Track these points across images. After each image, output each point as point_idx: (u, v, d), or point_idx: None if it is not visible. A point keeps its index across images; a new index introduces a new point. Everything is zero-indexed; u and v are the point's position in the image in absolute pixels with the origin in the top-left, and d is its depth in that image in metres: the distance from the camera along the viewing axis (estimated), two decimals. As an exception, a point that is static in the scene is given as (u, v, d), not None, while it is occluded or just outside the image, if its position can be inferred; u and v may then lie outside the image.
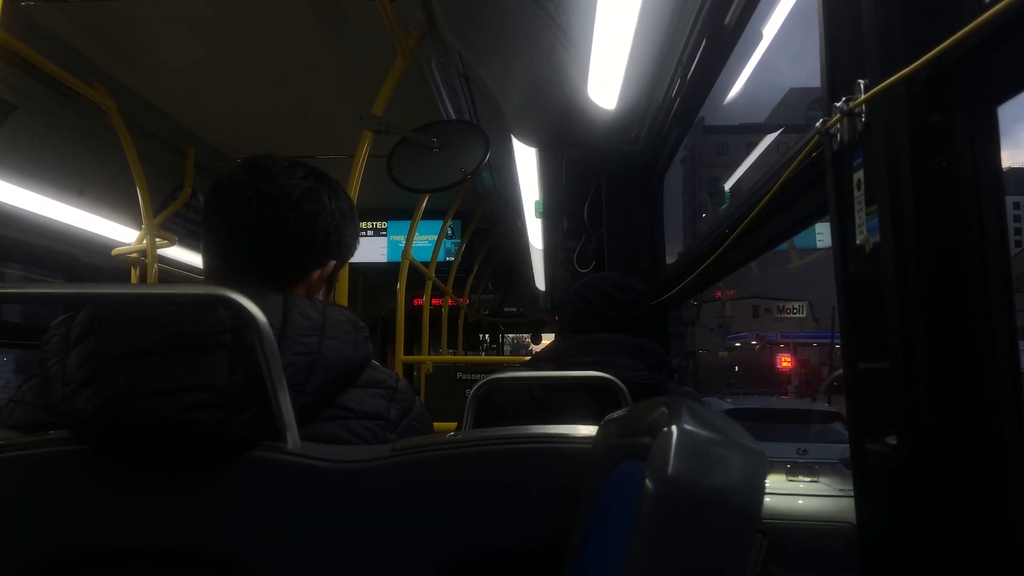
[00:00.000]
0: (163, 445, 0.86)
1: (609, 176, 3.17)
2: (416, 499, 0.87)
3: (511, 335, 14.07)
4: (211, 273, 1.12)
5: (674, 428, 0.65)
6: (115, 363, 0.88)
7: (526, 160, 3.67)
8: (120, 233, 3.99)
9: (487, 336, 12.29)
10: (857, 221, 0.97)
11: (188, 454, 0.87)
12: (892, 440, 0.93)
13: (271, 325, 0.90)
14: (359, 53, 3.14)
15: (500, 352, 12.69)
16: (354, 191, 2.90)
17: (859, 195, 0.96)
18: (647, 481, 0.62)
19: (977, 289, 0.86)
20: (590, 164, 3.23)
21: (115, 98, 3.21)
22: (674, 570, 0.59)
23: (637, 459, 0.68)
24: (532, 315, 11.21)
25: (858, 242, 0.97)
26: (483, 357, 8.02)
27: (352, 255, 1.25)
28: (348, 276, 3.00)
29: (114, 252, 3.85)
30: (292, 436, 0.89)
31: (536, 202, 4.08)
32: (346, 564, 0.86)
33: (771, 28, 1.94)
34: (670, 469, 0.61)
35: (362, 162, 2.90)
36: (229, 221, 1.09)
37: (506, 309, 11.24)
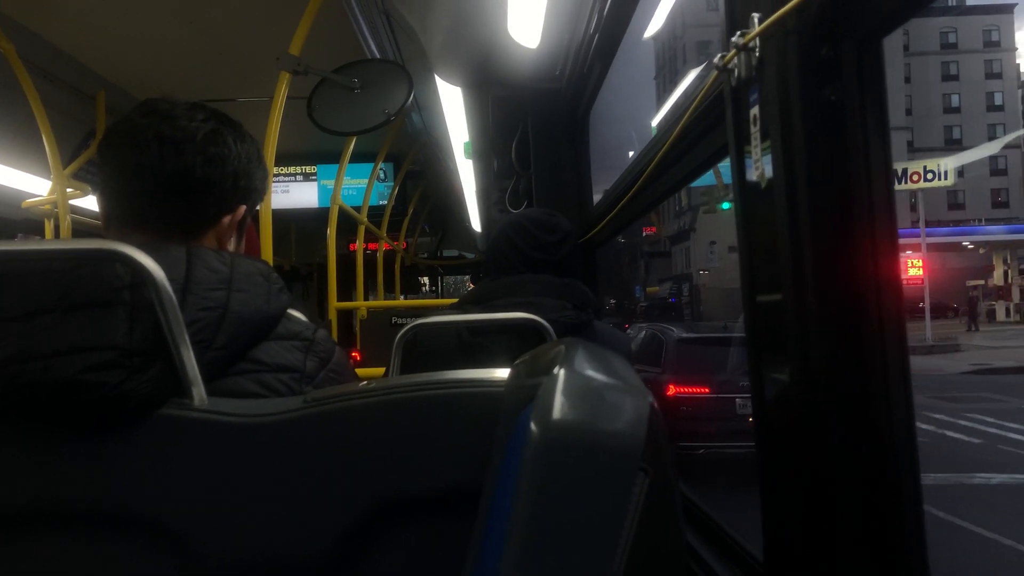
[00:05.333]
0: (64, 407, 0.84)
1: (535, 115, 3.14)
2: (329, 449, 0.87)
3: (452, 277, 14.04)
4: (112, 223, 1.07)
5: (559, 372, 0.67)
6: (9, 323, 0.84)
7: (453, 100, 3.61)
8: (33, 184, 3.80)
9: (427, 279, 12.25)
10: (753, 157, 0.98)
11: (91, 415, 0.85)
12: (786, 369, 0.97)
13: (173, 280, 0.88)
14: (273, -12, 3.01)
15: (440, 295, 12.68)
16: (273, 135, 2.81)
17: (755, 131, 0.97)
18: (531, 425, 0.63)
19: (864, 222, 0.89)
20: (516, 103, 3.19)
21: (13, 40, 3.02)
22: (558, 512, 0.60)
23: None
24: (471, 256, 11.20)
25: (754, 178, 0.98)
26: (417, 301, 8.01)
27: (262, 199, 1.21)
28: (274, 223, 2.94)
29: (24, 204, 3.68)
30: (198, 392, 0.88)
31: (465, 143, 4.03)
32: (260, 517, 0.86)
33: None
34: (552, 413, 0.62)
35: (280, 104, 2.80)
36: (130, 168, 1.04)
37: (445, 252, 11.18)
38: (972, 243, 40.58)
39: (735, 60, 0.99)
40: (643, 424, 0.64)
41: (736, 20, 1.02)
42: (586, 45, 2.48)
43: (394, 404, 0.90)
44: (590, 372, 0.69)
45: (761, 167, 0.98)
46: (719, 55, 1.03)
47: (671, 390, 8.58)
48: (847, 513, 0.91)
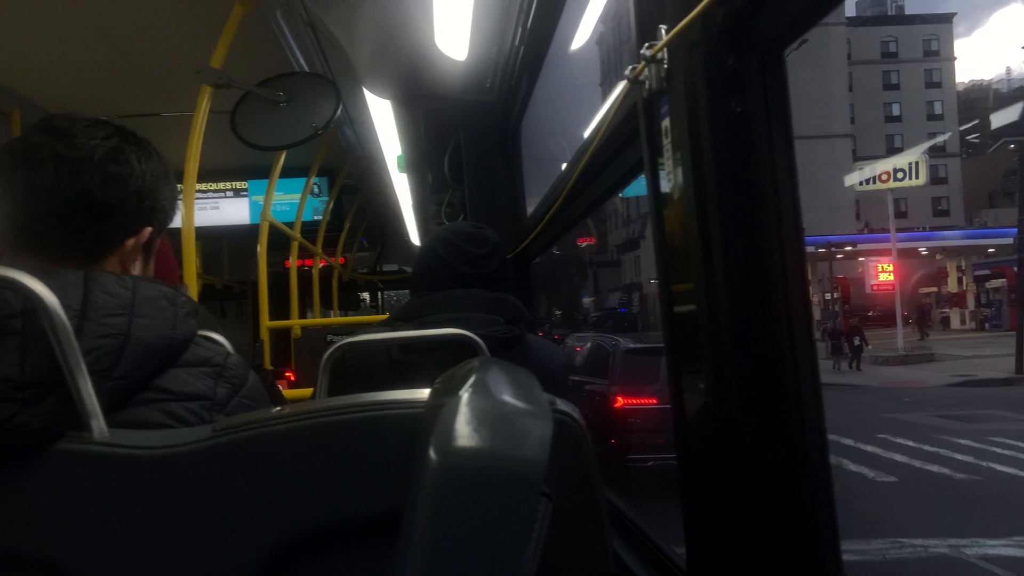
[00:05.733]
0: None
1: (466, 127, 3.13)
2: (242, 481, 0.83)
3: (393, 292, 13.93)
4: (5, 249, 1.01)
5: (461, 395, 0.64)
6: None
7: (384, 113, 3.57)
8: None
9: (367, 295, 12.12)
10: (666, 169, 0.98)
11: None
12: (702, 379, 0.97)
13: (69, 306, 0.83)
14: (194, 1, 2.93)
15: (380, 310, 12.55)
16: (195, 150, 2.74)
17: (667, 142, 0.97)
18: (430, 451, 0.60)
19: (772, 231, 0.89)
20: (447, 116, 3.18)
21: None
22: (456, 541, 0.58)
23: None
24: (411, 270, 11.14)
25: (667, 190, 0.98)
26: (353, 317, 7.90)
27: (171, 220, 1.16)
28: (205, 240, 2.86)
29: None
30: (97, 425, 0.83)
31: (398, 157, 4.00)
32: (169, 556, 0.81)
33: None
34: (451, 439, 0.60)
35: (202, 119, 2.73)
36: (24, 189, 0.98)
37: (385, 266, 11.08)
38: (928, 249, 39.63)
39: (645, 72, 0.99)
40: (545, 448, 0.62)
41: (645, 31, 1.02)
42: (513, 57, 2.49)
43: (310, 430, 0.87)
44: (494, 395, 0.67)
45: (673, 179, 0.97)
46: (630, 67, 1.03)
47: (619, 402, 8.46)
48: (763, 519, 0.92)
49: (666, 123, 0.97)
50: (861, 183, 29.26)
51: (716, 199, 0.89)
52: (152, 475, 0.82)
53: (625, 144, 1.35)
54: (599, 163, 1.43)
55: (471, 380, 0.70)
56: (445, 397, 0.74)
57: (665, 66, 0.95)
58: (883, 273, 29.90)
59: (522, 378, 0.76)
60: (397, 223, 7.58)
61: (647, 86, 1.00)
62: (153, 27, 3.12)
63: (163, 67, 3.53)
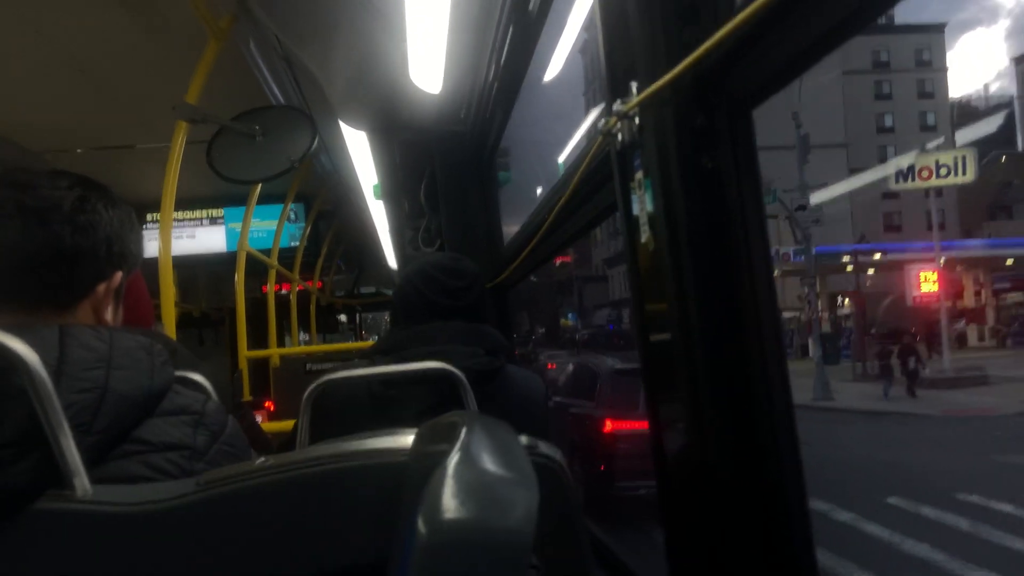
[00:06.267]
0: None
1: (442, 157, 3.16)
2: (227, 535, 0.83)
3: (371, 314, 13.87)
4: None
5: (448, 463, 0.65)
6: None
7: (360, 143, 3.59)
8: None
9: (344, 317, 12.06)
10: (641, 221, 1.01)
11: None
12: (678, 402, 1.00)
13: (45, 363, 0.83)
14: (170, 36, 2.94)
15: (357, 334, 12.49)
16: (171, 183, 2.73)
17: (640, 193, 1.00)
18: (418, 521, 0.61)
19: (742, 276, 0.92)
20: (422, 146, 3.21)
21: None
22: None
23: None
24: (389, 292, 11.11)
25: (643, 241, 1.01)
26: (333, 345, 7.86)
27: (139, 263, 1.16)
28: (181, 269, 2.85)
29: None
30: (80, 482, 0.83)
31: (374, 186, 4.01)
32: None
33: (576, 16, 1.98)
34: (440, 512, 0.61)
35: (178, 154, 2.74)
36: None
37: (363, 289, 11.05)
38: (946, 260, 35.13)
39: (618, 125, 1.02)
40: (532, 519, 0.63)
41: (617, 86, 1.05)
42: (488, 90, 2.52)
43: (293, 482, 0.87)
44: (481, 461, 0.68)
45: (647, 225, 1.00)
46: (603, 119, 1.06)
47: (608, 426, 7.88)
48: (743, 553, 0.94)
49: (639, 175, 1.00)
50: (898, 179, 24.86)
51: (688, 245, 0.93)
52: (136, 531, 0.82)
53: (599, 186, 1.39)
54: (575, 202, 1.46)
55: (457, 443, 0.71)
56: (430, 450, 0.75)
57: (637, 121, 0.98)
58: (926, 283, 26.27)
59: (506, 439, 0.77)
60: (374, 247, 7.57)
61: (619, 139, 1.03)
62: (128, 61, 3.13)
63: (138, 100, 3.53)
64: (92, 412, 0.87)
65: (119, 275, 1.08)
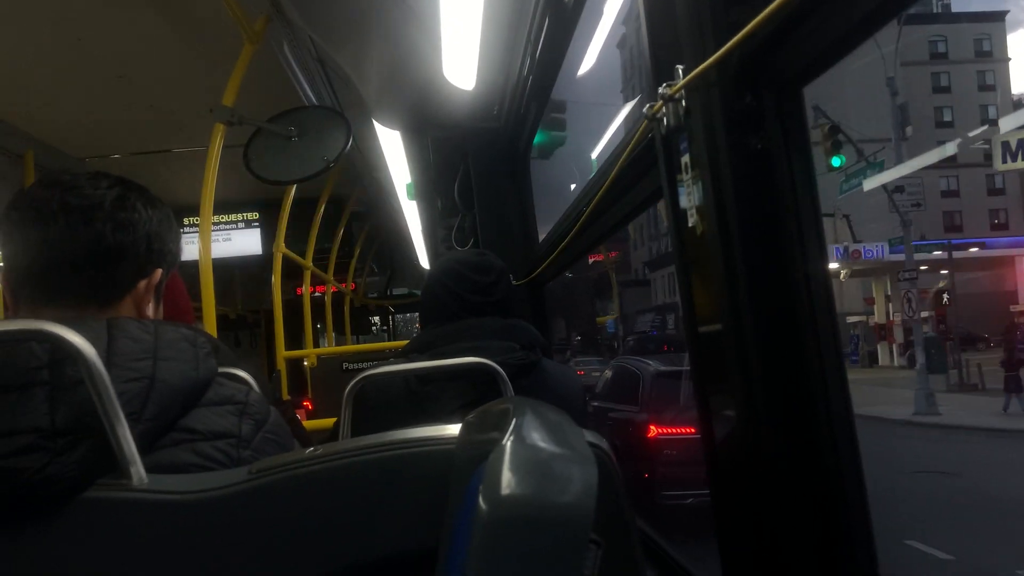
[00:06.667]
0: None
1: (475, 154, 3.16)
2: (277, 521, 0.84)
3: (403, 315, 13.96)
4: (21, 300, 1.03)
5: (506, 443, 0.65)
6: None
7: (393, 143, 3.61)
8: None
9: (377, 319, 12.15)
10: (687, 204, 1.00)
11: (14, 505, 0.81)
12: (729, 394, 0.98)
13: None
14: (205, 41, 2.98)
15: (391, 334, 12.57)
16: (210, 185, 2.77)
17: (687, 178, 0.99)
18: (480, 501, 0.61)
19: (795, 261, 0.91)
20: (456, 143, 3.21)
21: (-68, 101, 2.93)
22: None
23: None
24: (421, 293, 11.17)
25: (690, 225, 1.00)
26: (369, 345, 7.93)
27: (178, 261, 1.18)
28: (216, 272, 2.89)
29: (-52, 271, 3.54)
30: (136, 470, 0.84)
31: (408, 184, 4.03)
32: None
33: (612, 5, 1.96)
34: (500, 488, 0.61)
35: (216, 155, 2.77)
36: (36, 242, 1.00)
37: (395, 290, 11.11)
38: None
39: (663, 110, 1.01)
40: (592, 495, 0.63)
41: (661, 70, 1.04)
42: (522, 85, 2.52)
43: (342, 470, 0.88)
44: (538, 441, 0.68)
45: (695, 210, 0.99)
46: (648, 104, 1.05)
47: (652, 431, 7.44)
48: (797, 544, 0.92)
49: (685, 159, 0.99)
50: (1005, 158, 20.07)
51: (739, 228, 0.91)
52: (190, 519, 0.83)
53: (642, 174, 1.37)
54: (615, 192, 1.45)
55: (511, 424, 0.71)
56: (481, 437, 0.75)
57: (683, 104, 0.97)
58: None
59: (559, 420, 0.77)
60: (406, 248, 7.61)
61: (665, 123, 1.02)
62: (165, 66, 3.17)
63: (175, 105, 3.58)
64: (141, 401, 0.89)
65: (159, 272, 1.10)
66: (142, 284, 1.07)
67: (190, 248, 4.03)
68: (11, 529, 0.80)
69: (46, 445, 0.81)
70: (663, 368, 8.60)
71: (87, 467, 0.83)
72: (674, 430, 7.37)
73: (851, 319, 28.76)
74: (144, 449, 0.88)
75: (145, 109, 3.61)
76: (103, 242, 1.01)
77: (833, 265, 23.27)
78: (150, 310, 1.11)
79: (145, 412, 0.89)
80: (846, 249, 24.07)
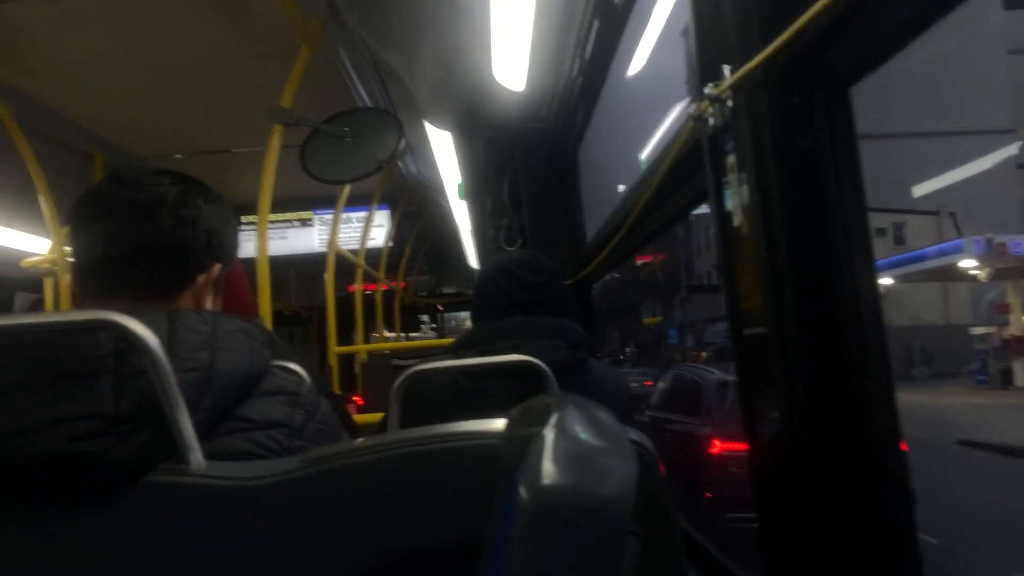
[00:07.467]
0: (50, 480, 0.84)
1: (524, 154, 3.18)
2: (329, 510, 0.87)
3: (451, 313, 14.05)
4: (88, 292, 1.08)
5: (546, 434, 0.67)
6: None
7: (444, 143, 3.66)
8: (31, 243, 3.85)
9: (426, 317, 12.27)
10: (732, 205, 1.00)
11: (79, 487, 0.85)
12: (773, 398, 0.98)
13: None
14: (263, 44, 3.05)
15: (441, 332, 12.68)
16: (268, 184, 2.84)
17: (732, 178, 0.99)
18: (520, 490, 0.63)
19: (841, 263, 0.90)
20: (506, 144, 3.24)
21: (11, 105, 3.07)
22: None
23: None
24: (470, 292, 11.22)
25: (735, 224, 1.00)
26: (418, 342, 8.00)
27: (235, 256, 1.23)
28: (272, 269, 2.96)
29: (22, 263, 3.70)
30: (195, 457, 0.87)
31: (458, 185, 4.07)
32: None
33: (662, 8, 1.96)
34: (540, 478, 0.63)
35: (274, 156, 2.84)
36: (102, 236, 1.05)
37: (444, 289, 11.20)
38: None
39: (709, 110, 1.01)
40: (631, 487, 0.64)
41: (707, 70, 1.04)
42: (571, 86, 2.53)
43: (393, 460, 0.90)
44: (579, 434, 0.69)
45: (740, 210, 0.99)
46: (693, 104, 1.06)
47: (716, 447, 6.86)
48: (841, 545, 0.92)
49: (731, 159, 1.00)
50: None
51: (784, 230, 0.91)
52: (246, 505, 0.86)
53: (689, 174, 1.38)
54: (662, 192, 1.45)
55: (554, 417, 0.73)
56: (524, 431, 0.77)
57: (729, 104, 0.98)
58: None
59: (600, 414, 0.78)
60: (455, 247, 7.67)
61: (711, 123, 1.02)
62: (224, 69, 3.26)
63: (234, 106, 3.68)
64: (200, 390, 0.92)
65: (218, 267, 1.14)
66: (201, 278, 1.11)
67: (247, 246, 4.13)
68: (78, 510, 0.85)
69: (111, 430, 0.84)
70: (728, 378, 7.96)
71: (149, 452, 0.86)
72: (742, 446, 6.72)
73: (977, 331, 23.44)
74: (202, 436, 0.91)
75: (205, 111, 3.71)
76: (165, 237, 1.05)
77: (968, 263, 18.83)
78: (208, 303, 1.15)
79: (203, 401, 0.92)
80: (988, 242, 18.50)
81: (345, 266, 4.98)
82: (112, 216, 1.04)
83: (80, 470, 0.83)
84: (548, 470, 0.64)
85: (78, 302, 1.09)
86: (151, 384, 0.84)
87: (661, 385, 9.68)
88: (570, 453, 0.66)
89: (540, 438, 0.68)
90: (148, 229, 1.05)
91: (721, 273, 1.09)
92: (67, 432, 0.83)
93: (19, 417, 0.83)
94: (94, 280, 1.07)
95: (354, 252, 4.95)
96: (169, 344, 0.92)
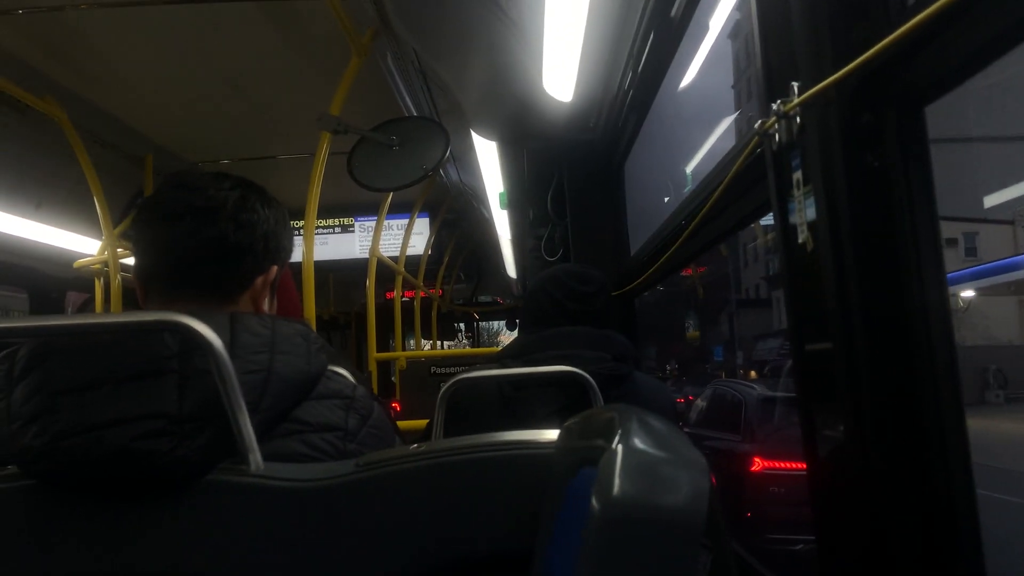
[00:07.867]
0: (116, 477, 0.86)
1: (570, 165, 3.18)
2: (381, 513, 0.88)
3: (487, 322, 14.08)
4: (150, 294, 1.10)
5: (617, 447, 0.67)
6: (62, 396, 0.87)
7: (488, 152, 3.67)
8: (82, 244, 3.94)
9: (462, 325, 12.30)
10: (798, 220, 0.99)
11: (143, 484, 0.87)
12: (837, 416, 0.96)
13: None
14: (314, 53, 3.11)
15: (475, 340, 12.70)
16: (315, 191, 2.89)
17: (798, 194, 0.98)
18: (593, 501, 0.63)
19: (912, 277, 0.89)
20: (551, 154, 3.24)
21: (67, 108, 3.16)
22: None
23: (593, 466, 0.69)
24: (506, 302, 11.23)
25: (800, 241, 0.99)
26: (456, 350, 8.03)
27: (290, 258, 1.25)
28: (314, 275, 3.00)
29: (76, 264, 3.80)
30: (254, 457, 0.89)
31: (500, 194, 4.08)
32: None
33: (717, 21, 1.95)
34: (613, 490, 0.63)
35: (322, 162, 2.89)
36: (165, 240, 1.08)
37: (480, 298, 11.23)
38: None
39: (776, 126, 1.00)
40: (704, 499, 0.64)
41: (774, 86, 1.04)
42: (620, 99, 2.53)
43: (444, 467, 0.91)
44: (648, 446, 0.69)
45: (806, 227, 0.98)
46: (759, 121, 1.05)
47: (757, 464, 6.62)
48: (904, 567, 0.90)
49: (797, 175, 0.99)
50: None
51: (852, 246, 0.90)
52: (302, 506, 0.88)
53: (745, 190, 1.37)
54: (719, 206, 1.44)
55: (619, 430, 0.73)
56: (585, 443, 0.77)
57: (798, 121, 0.97)
58: None
59: (665, 427, 0.78)
60: (493, 257, 7.69)
61: (776, 139, 1.02)
62: (275, 77, 3.32)
63: (282, 113, 3.74)
64: (259, 392, 0.94)
65: (275, 269, 1.16)
66: (259, 280, 1.13)
67: (294, 251, 4.18)
68: (141, 506, 0.87)
69: (174, 430, 0.86)
70: (769, 394, 7.84)
71: (210, 452, 0.88)
72: (783, 465, 6.48)
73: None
74: (260, 438, 0.93)
75: (255, 117, 3.78)
76: (226, 241, 1.08)
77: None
78: (265, 304, 1.17)
79: (263, 403, 0.94)
80: None
81: (383, 273, 5.02)
82: (175, 220, 1.07)
83: (145, 468, 0.85)
84: (620, 482, 0.64)
85: (140, 304, 1.12)
86: (213, 385, 0.86)
87: (699, 402, 9.49)
88: (640, 465, 0.66)
89: (609, 451, 0.68)
90: (209, 233, 1.07)
91: (784, 287, 1.08)
92: (133, 431, 0.85)
93: (88, 415, 0.86)
94: (157, 282, 1.09)
95: (394, 259, 4.99)
96: (231, 346, 0.94)
